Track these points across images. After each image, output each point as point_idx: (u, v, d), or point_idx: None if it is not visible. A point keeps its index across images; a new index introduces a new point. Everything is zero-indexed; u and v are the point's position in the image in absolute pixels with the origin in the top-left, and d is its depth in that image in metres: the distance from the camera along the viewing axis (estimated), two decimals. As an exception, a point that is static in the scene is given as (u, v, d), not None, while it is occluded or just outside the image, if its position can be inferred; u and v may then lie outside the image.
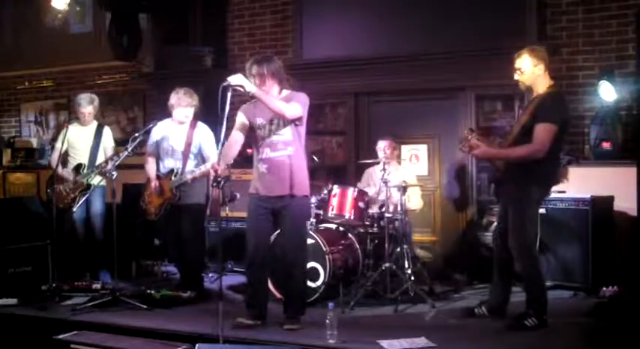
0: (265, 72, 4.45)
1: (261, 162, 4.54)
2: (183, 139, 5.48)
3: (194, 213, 5.48)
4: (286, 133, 4.51)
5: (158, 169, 5.58)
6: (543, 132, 4.33)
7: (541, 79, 4.50)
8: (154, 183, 5.48)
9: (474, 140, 4.62)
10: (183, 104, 5.42)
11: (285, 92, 4.60)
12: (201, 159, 5.50)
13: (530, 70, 4.48)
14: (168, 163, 5.52)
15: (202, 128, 5.52)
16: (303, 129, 4.57)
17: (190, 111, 5.47)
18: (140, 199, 5.66)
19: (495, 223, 4.90)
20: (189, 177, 5.32)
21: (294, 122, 4.50)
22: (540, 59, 4.49)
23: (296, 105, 4.48)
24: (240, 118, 4.63)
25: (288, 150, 4.50)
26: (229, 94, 4.34)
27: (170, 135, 5.51)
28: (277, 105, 4.41)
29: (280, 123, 4.50)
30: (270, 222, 4.59)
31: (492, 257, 4.79)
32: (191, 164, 5.45)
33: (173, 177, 5.40)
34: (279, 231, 4.71)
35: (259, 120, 4.54)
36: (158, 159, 5.60)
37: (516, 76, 4.56)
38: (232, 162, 4.75)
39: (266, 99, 4.40)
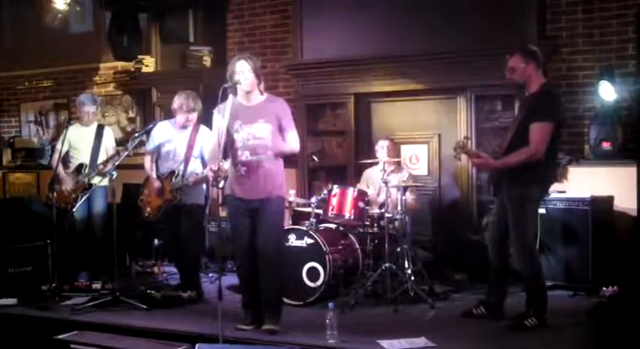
0: (256, 68, 4.48)
1: (240, 165, 4.51)
2: (185, 142, 5.48)
3: (193, 214, 5.48)
4: (266, 138, 4.49)
5: (158, 169, 5.58)
6: (539, 132, 4.34)
7: (533, 78, 4.52)
8: (156, 184, 5.48)
9: (474, 150, 4.62)
10: (185, 109, 5.42)
11: (265, 95, 4.60)
12: (202, 162, 5.50)
13: (522, 69, 4.51)
14: (169, 165, 5.51)
15: (204, 131, 5.52)
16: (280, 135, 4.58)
17: (193, 116, 5.47)
18: (138, 198, 5.66)
19: (491, 221, 4.89)
20: (191, 180, 5.32)
21: (277, 129, 4.50)
22: (532, 58, 4.52)
23: (295, 133, 4.56)
24: (218, 120, 4.53)
25: (267, 155, 4.49)
26: (230, 96, 4.35)
27: (172, 138, 5.51)
28: (288, 149, 4.54)
29: (261, 128, 4.48)
30: (251, 221, 4.56)
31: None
32: (193, 167, 5.45)
33: (174, 179, 5.40)
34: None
35: (238, 123, 4.50)
36: (158, 159, 5.60)
37: (508, 75, 4.59)
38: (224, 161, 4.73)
39: (281, 149, 4.51)
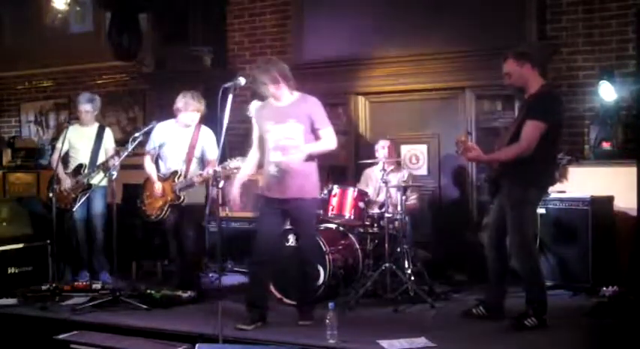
0: (277, 75, 4.48)
1: (273, 165, 4.55)
2: (187, 142, 5.49)
3: (194, 213, 5.48)
4: (298, 138, 4.52)
5: (158, 170, 5.58)
6: (529, 130, 4.33)
7: (532, 78, 4.50)
8: (158, 184, 5.49)
9: (469, 143, 4.62)
10: (190, 108, 5.42)
11: (295, 95, 4.63)
12: (202, 162, 5.51)
13: (518, 72, 4.49)
14: (170, 165, 5.53)
15: (206, 132, 5.53)
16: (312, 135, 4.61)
17: (197, 116, 5.48)
18: (138, 200, 5.66)
19: (489, 222, 4.88)
20: (196, 179, 5.33)
21: (308, 128, 4.55)
22: (526, 59, 4.48)
23: (330, 130, 4.59)
24: (255, 125, 4.70)
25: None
26: (230, 96, 4.35)
27: (174, 138, 5.52)
28: (321, 148, 4.57)
29: (292, 128, 4.51)
30: (279, 221, 4.64)
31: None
32: (194, 167, 5.47)
33: (176, 179, 5.41)
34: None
35: (270, 123, 4.55)
36: (158, 159, 5.61)
37: (506, 81, 4.58)
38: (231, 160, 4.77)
39: (313, 150, 4.54)
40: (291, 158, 4.46)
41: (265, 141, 4.58)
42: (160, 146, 5.55)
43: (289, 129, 4.50)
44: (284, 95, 4.56)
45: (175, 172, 5.46)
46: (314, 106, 4.59)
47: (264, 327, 4.51)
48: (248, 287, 4.77)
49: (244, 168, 4.74)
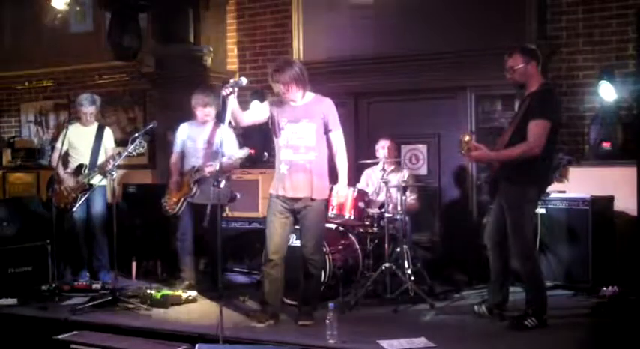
0: (288, 79, 4.47)
1: (283, 163, 4.58)
2: (205, 138, 5.61)
3: (216, 213, 5.51)
4: (310, 138, 4.55)
5: (183, 167, 5.70)
6: (537, 129, 4.33)
7: (533, 77, 4.51)
8: (175, 178, 5.64)
9: (473, 142, 4.61)
10: (200, 103, 5.57)
11: (310, 95, 4.65)
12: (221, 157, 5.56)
13: (522, 68, 4.49)
14: (192, 161, 5.65)
15: (225, 128, 5.56)
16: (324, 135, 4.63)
17: (210, 110, 5.60)
18: (162, 199, 5.76)
19: (489, 222, 4.88)
20: (207, 169, 5.40)
21: (321, 129, 4.58)
22: (532, 57, 4.50)
23: (339, 133, 4.64)
24: (266, 107, 4.69)
25: (309, 155, 4.55)
26: (232, 96, 4.34)
27: (193, 135, 5.67)
28: (346, 163, 4.68)
29: (305, 127, 4.54)
30: (289, 221, 4.65)
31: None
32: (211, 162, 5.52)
33: (194, 174, 5.51)
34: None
35: (284, 121, 4.58)
36: (183, 157, 5.73)
37: (508, 75, 4.57)
38: (240, 124, 4.75)
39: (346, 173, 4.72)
40: (304, 157, 4.51)
41: (279, 137, 4.61)
42: (183, 144, 5.72)
43: (302, 129, 4.54)
44: (296, 97, 4.57)
45: (193, 167, 5.56)
46: (329, 108, 4.64)
47: (277, 326, 4.54)
48: (261, 286, 4.77)
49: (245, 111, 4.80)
